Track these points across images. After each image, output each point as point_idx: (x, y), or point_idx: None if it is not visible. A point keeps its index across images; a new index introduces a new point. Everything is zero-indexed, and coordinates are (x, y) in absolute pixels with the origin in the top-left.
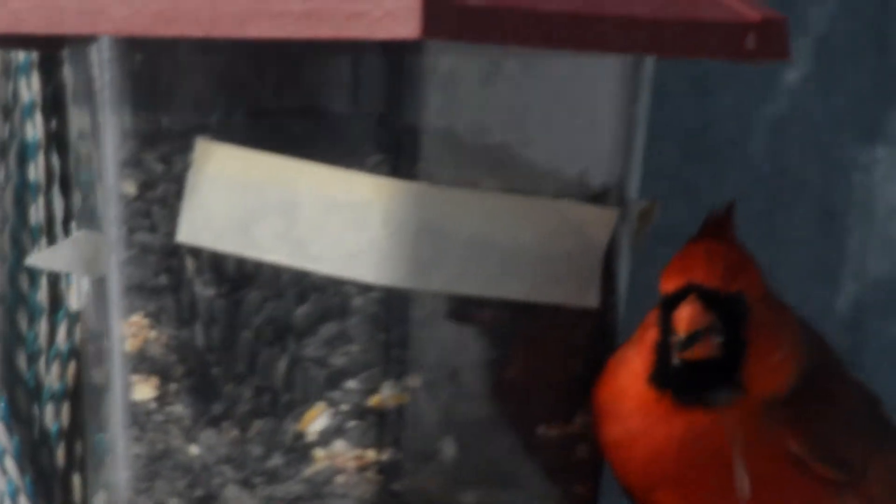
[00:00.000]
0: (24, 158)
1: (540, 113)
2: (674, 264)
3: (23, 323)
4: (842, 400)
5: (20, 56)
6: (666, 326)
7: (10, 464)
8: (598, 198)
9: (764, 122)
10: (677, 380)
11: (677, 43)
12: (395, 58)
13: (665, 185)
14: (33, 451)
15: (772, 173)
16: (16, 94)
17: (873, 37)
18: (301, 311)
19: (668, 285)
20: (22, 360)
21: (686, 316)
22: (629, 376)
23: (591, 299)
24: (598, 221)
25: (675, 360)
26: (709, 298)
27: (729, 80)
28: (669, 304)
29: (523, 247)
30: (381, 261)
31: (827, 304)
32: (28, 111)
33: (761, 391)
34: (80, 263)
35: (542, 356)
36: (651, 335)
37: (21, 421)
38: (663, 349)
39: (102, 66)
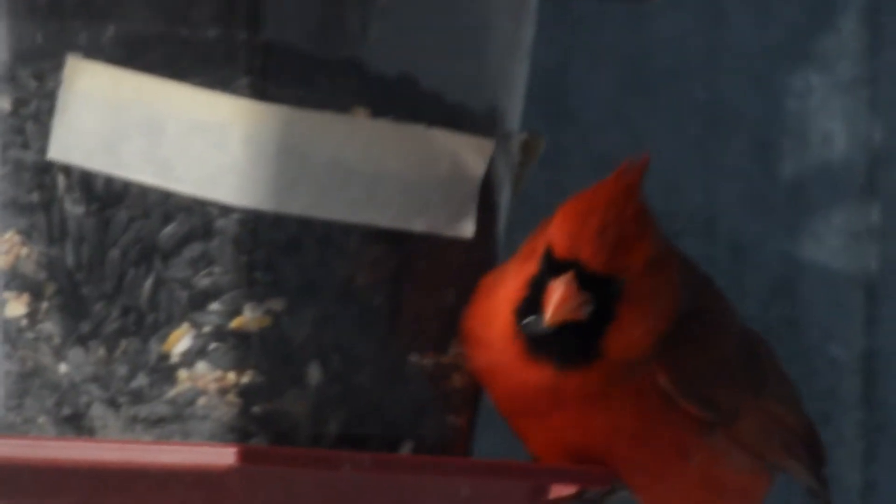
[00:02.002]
0: None
1: (416, 39)
2: (568, 220)
3: None
4: (717, 345)
5: None
6: (544, 276)
7: None
8: (478, 128)
9: (700, 51)
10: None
11: None
12: None
13: (603, 113)
14: None
15: (707, 102)
16: None
17: None
18: (166, 232)
19: (557, 245)
20: None
21: (559, 297)
22: (500, 302)
23: (466, 230)
24: (473, 151)
25: (541, 325)
26: (587, 278)
27: (665, 9)
28: (554, 261)
29: (389, 174)
30: (242, 182)
31: (762, 231)
32: None
33: (620, 357)
34: None
35: (413, 284)
36: (529, 268)
37: None
38: (535, 289)
39: None
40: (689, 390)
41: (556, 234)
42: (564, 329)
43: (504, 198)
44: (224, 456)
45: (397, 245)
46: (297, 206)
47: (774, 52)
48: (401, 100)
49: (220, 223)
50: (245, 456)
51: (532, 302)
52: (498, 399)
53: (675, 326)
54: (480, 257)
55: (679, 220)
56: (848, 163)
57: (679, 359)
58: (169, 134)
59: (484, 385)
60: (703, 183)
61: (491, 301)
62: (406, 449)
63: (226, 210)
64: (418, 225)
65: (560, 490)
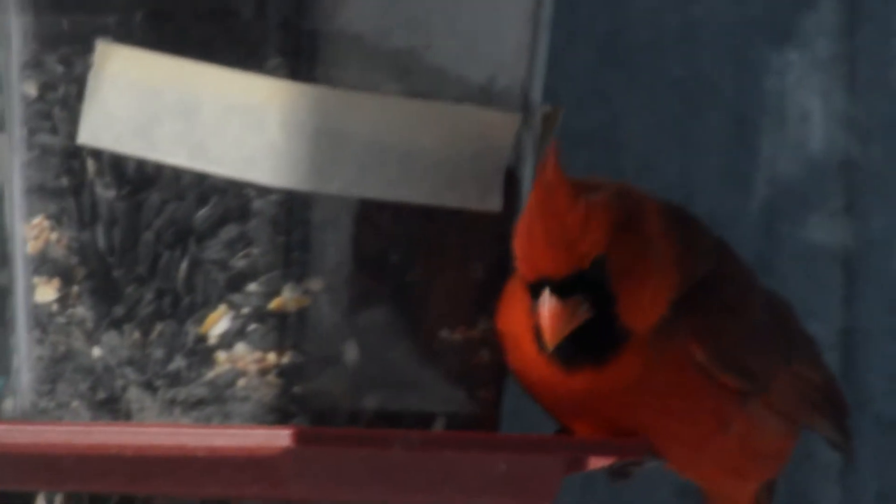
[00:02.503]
0: None
1: (443, 17)
2: (520, 249)
3: None
4: (746, 311)
5: None
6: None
7: None
8: (501, 102)
9: (677, 27)
10: (562, 350)
11: None
12: None
13: (579, 89)
14: None
15: (684, 78)
16: None
17: None
18: (201, 214)
19: (525, 273)
20: None
21: (548, 321)
22: (520, 325)
23: (494, 203)
24: (500, 126)
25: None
26: (565, 284)
27: None
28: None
29: (422, 150)
30: (279, 163)
31: (739, 208)
32: None
33: (645, 324)
34: None
35: (443, 260)
36: (525, 300)
37: None
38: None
39: None
40: (726, 362)
41: (520, 262)
42: (579, 335)
43: (528, 171)
44: (278, 438)
45: (428, 221)
46: (335, 185)
47: (752, 28)
48: (427, 76)
49: (257, 204)
50: (298, 437)
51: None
52: (537, 396)
53: (701, 294)
54: (506, 230)
55: (656, 196)
56: (826, 140)
57: (712, 331)
58: (204, 116)
59: (521, 383)
60: (680, 159)
61: (513, 317)
62: (439, 424)
63: (263, 191)
64: (449, 200)
65: (595, 462)
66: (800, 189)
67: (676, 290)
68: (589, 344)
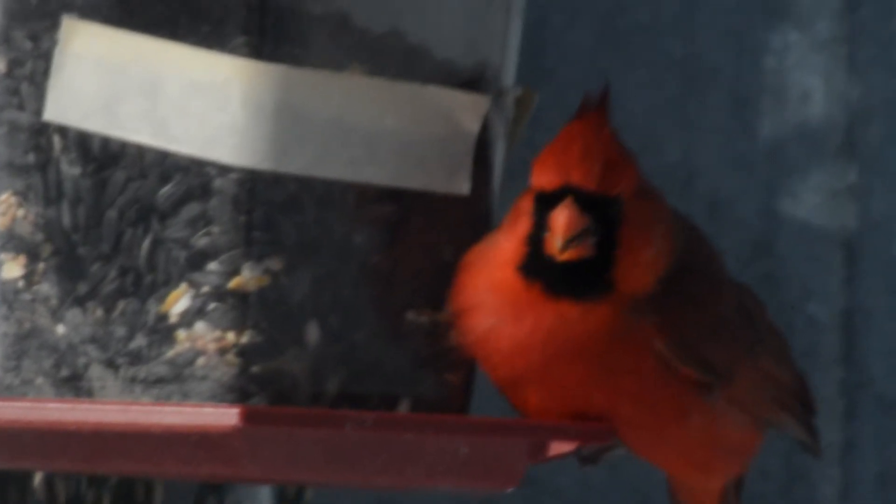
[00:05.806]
0: None
1: None
2: (550, 157)
3: None
4: (712, 303)
5: None
6: (540, 221)
7: None
8: (471, 85)
9: (677, 8)
10: (549, 272)
11: None
12: None
13: (579, 70)
14: None
15: (684, 58)
16: None
17: None
18: (164, 192)
19: (544, 181)
20: None
21: (564, 222)
22: (498, 267)
23: (461, 186)
24: (468, 108)
25: (552, 259)
26: (585, 201)
27: None
28: (545, 201)
29: (386, 131)
30: (241, 142)
31: (740, 189)
32: None
33: (630, 288)
34: None
35: (410, 242)
36: (523, 226)
37: None
38: (536, 241)
39: None
40: (687, 355)
41: (541, 173)
42: (575, 266)
43: (499, 154)
44: (226, 417)
45: (394, 203)
46: (296, 165)
47: (752, 8)
48: (395, 57)
49: (218, 183)
50: (247, 416)
51: (535, 257)
52: (497, 366)
53: (669, 281)
54: (476, 214)
55: (657, 177)
56: (826, 121)
57: (675, 321)
58: (167, 94)
59: (482, 354)
60: (680, 140)
61: (488, 268)
62: (404, 407)
63: (224, 170)
64: (415, 182)
65: (559, 447)
66: (800, 169)
67: (666, 271)
68: (575, 279)
